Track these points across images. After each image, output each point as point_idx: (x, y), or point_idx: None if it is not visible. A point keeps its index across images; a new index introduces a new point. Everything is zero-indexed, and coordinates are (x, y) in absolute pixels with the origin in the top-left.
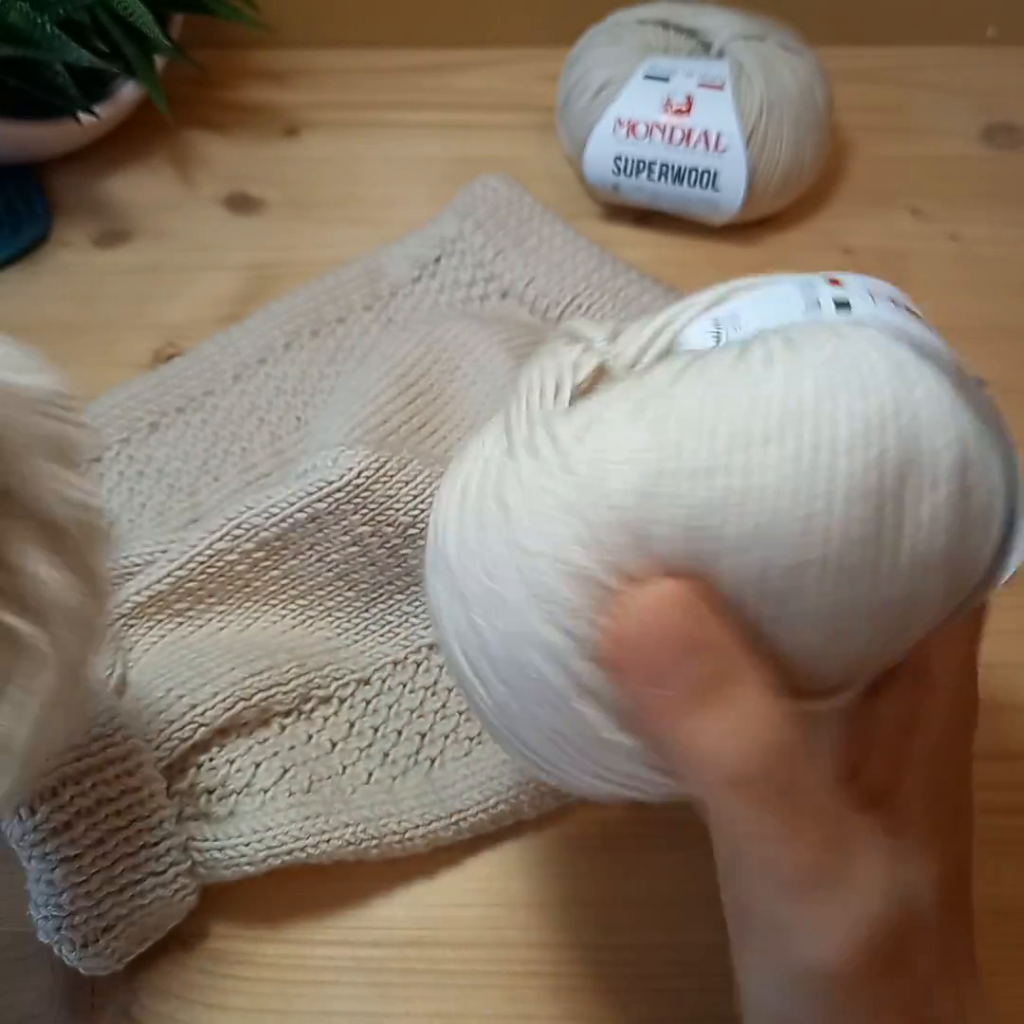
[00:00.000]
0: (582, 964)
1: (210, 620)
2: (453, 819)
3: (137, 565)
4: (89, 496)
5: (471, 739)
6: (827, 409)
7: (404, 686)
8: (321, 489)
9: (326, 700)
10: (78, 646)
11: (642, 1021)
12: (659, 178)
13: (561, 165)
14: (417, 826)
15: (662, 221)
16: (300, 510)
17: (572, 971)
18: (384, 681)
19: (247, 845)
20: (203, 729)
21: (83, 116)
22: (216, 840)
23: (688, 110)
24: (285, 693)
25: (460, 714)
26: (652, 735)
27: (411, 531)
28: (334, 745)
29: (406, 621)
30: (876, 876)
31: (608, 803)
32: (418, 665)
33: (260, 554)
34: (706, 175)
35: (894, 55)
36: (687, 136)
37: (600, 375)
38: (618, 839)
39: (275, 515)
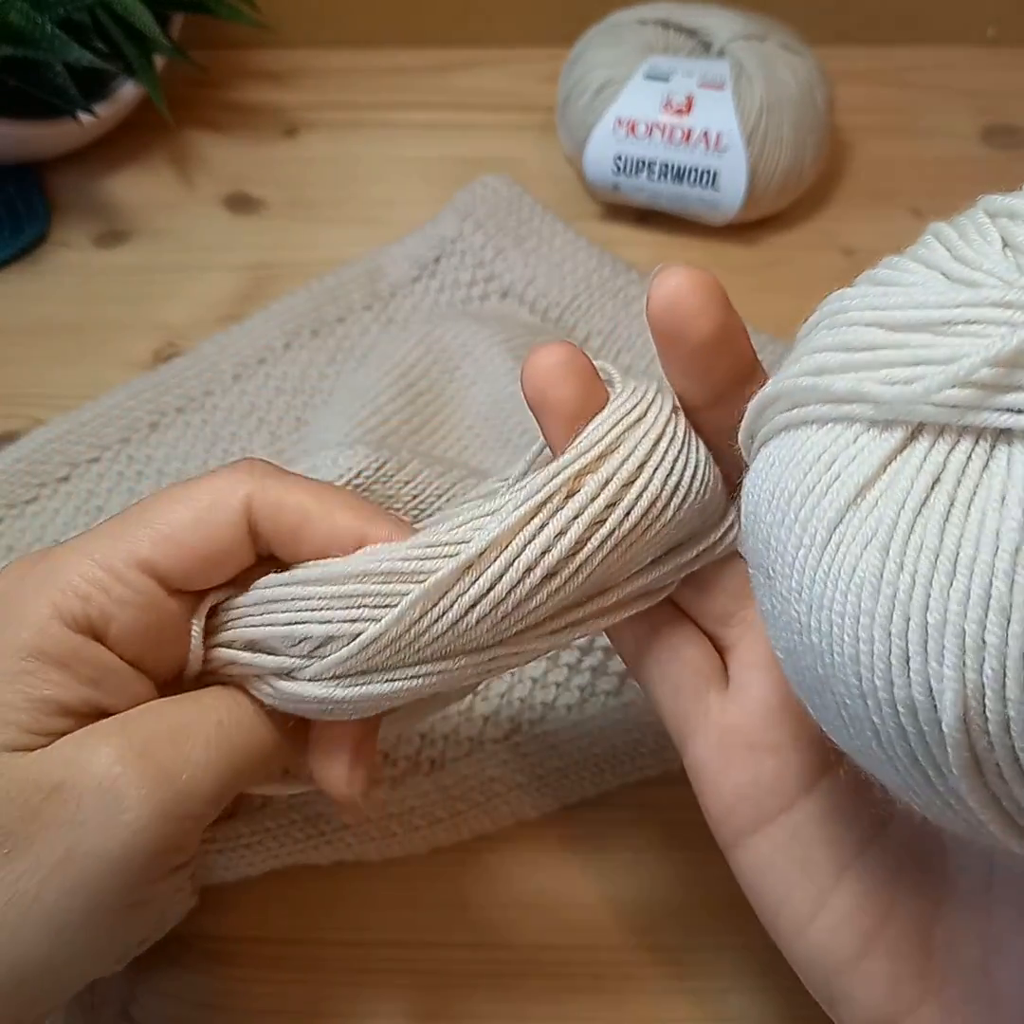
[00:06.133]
0: (579, 965)
1: None
2: (453, 819)
3: None
4: None
5: (471, 739)
6: None
7: None
8: None
9: None
10: None
11: (639, 1022)
12: (659, 177)
13: (561, 165)
14: (417, 827)
15: (662, 221)
16: None
17: (569, 972)
18: None
19: (247, 846)
20: None
21: (83, 116)
22: (216, 841)
23: (688, 110)
24: None
25: (459, 714)
26: None
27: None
28: None
29: None
30: None
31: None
32: None
33: None
34: (706, 174)
35: (894, 55)
36: (687, 135)
37: None
38: (617, 840)
39: None
